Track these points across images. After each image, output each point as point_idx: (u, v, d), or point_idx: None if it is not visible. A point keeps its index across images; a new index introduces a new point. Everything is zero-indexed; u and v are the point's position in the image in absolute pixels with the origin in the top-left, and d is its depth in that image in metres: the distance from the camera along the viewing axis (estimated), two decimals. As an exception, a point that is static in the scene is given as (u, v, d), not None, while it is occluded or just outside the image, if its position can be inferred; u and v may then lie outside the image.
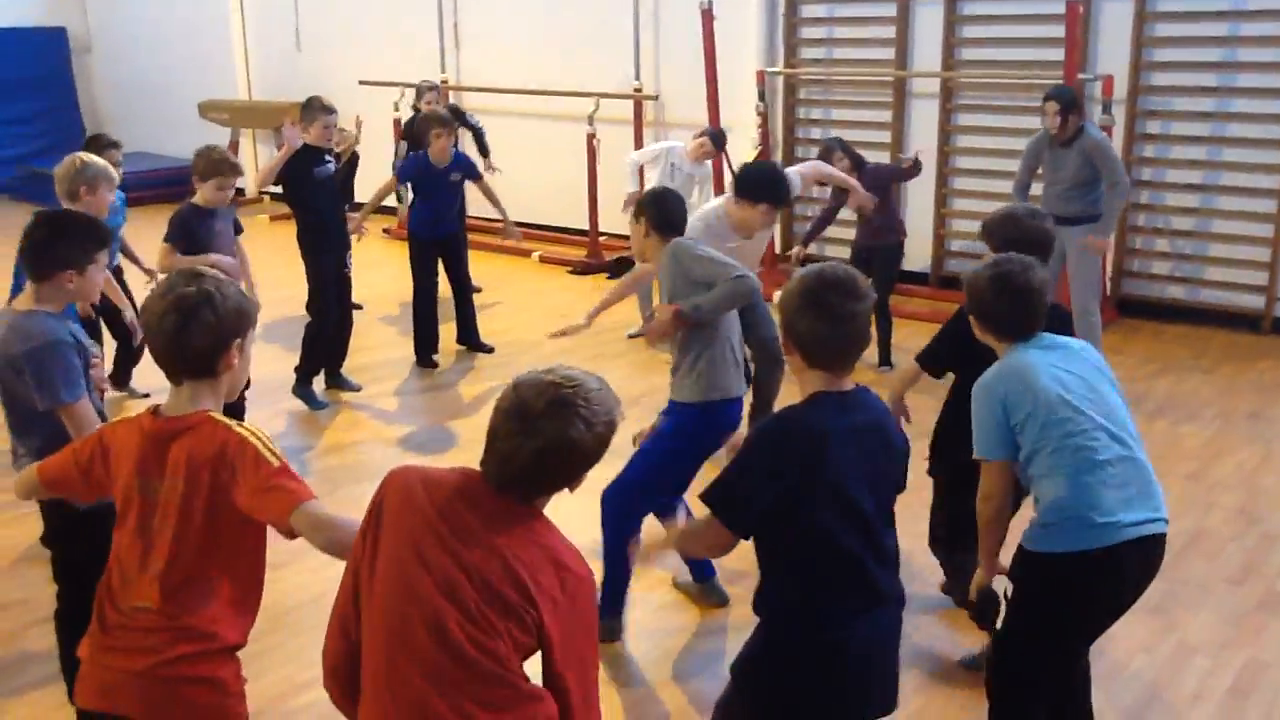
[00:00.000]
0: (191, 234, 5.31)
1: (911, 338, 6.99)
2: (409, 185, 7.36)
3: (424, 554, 1.99)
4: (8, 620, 4.09)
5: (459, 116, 8.59)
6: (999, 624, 3.13)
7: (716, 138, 7.60)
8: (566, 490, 2.12)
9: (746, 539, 2.45)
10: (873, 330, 3.29)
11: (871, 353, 6.83)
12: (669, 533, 2.77)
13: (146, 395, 6.19)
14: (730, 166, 8.91)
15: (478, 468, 2.08)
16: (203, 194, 5.39)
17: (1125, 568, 2.78)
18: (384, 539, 2.04)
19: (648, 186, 7.39)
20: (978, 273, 3.03)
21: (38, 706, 3.56)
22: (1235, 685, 3.65)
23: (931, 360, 3.80)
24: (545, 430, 2.01)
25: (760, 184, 4.79)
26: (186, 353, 2.26)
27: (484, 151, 8.82)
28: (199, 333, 2.24)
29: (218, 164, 5.37)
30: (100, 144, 6.01)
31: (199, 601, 2.25)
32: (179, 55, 13.64)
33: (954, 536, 3.84)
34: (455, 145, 6.94)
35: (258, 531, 2.33)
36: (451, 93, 11.10)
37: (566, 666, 2.01)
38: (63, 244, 3.07)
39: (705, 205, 5.44)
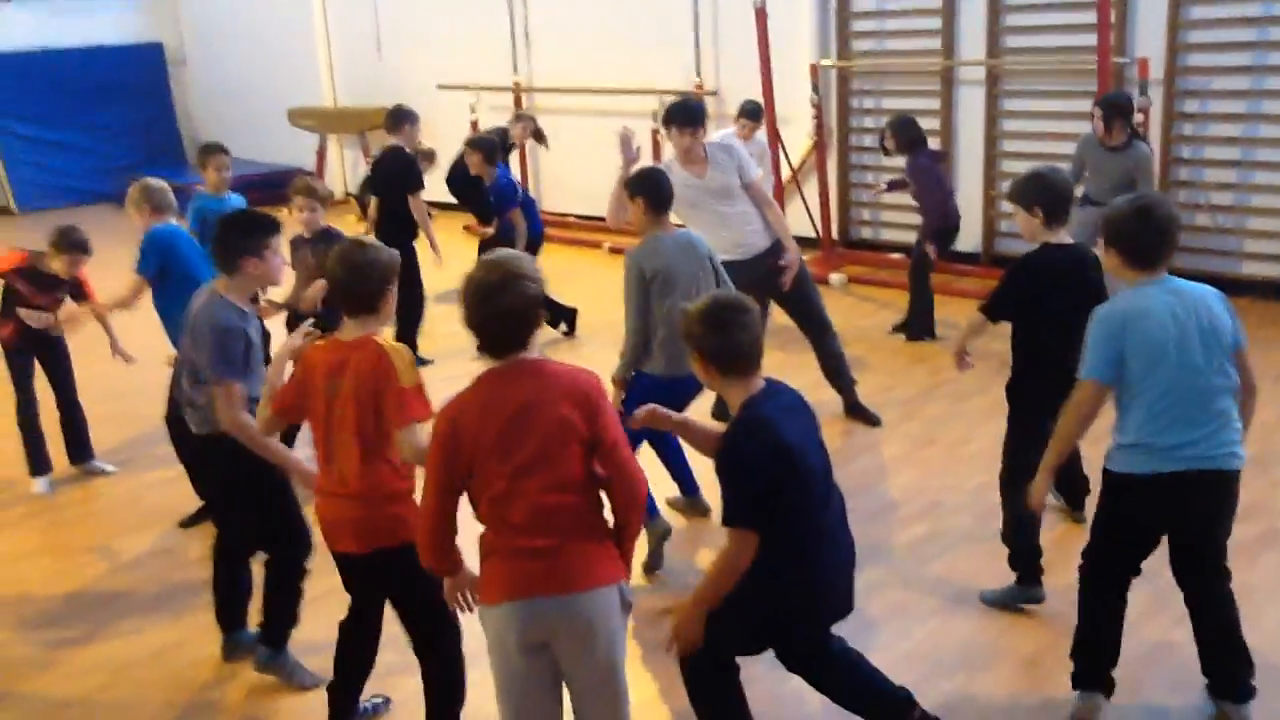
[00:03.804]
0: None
1: (964, 314, 7.43)
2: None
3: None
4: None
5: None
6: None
7: (748, 111, 8.11)
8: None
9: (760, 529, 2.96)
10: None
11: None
12: (701, 589, 3.06)
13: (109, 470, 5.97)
14: (785, 150, 9.41)
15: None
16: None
17: (1174, 492, 3.25)
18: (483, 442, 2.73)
19: None
20: (1120, 204, 3.33)
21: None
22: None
23: (992, 309, 4.12)
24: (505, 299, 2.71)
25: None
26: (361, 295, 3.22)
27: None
28: (372, 279, 3.16)
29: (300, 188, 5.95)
30: (208, 151, 6.42)
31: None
32: (267, 65, 14.47)
33: (1013, 482, 4.10)
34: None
35: None
36: (524, 94, 11.74)
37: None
38: (239, 237, 3.75)
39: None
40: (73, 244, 5.44)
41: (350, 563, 3.36)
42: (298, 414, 3.38)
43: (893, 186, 8.04)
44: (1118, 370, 3.22)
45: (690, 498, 5.00)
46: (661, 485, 4.76)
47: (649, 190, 4.66)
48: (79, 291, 5.61)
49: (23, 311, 5.45)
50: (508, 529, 2.74)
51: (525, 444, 2.70)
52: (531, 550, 2.71)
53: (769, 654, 3.20)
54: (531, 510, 2.71)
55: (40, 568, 4.95)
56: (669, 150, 9.77)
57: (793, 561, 2.95)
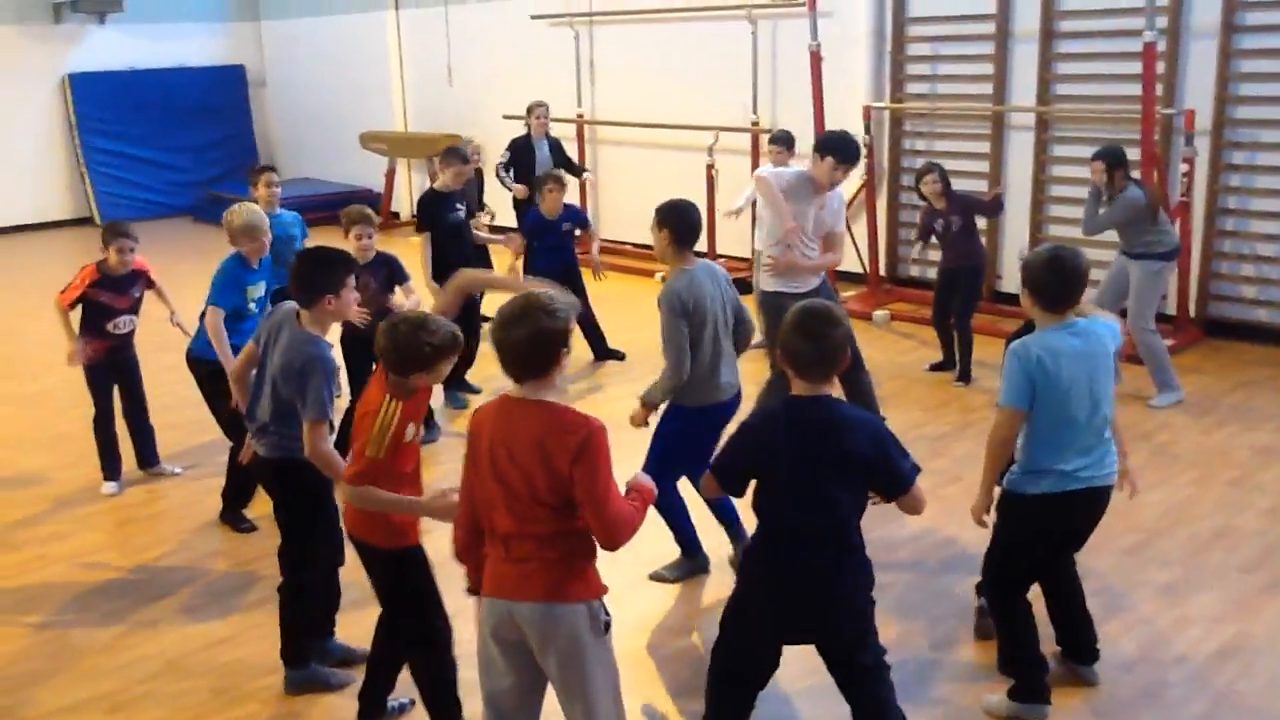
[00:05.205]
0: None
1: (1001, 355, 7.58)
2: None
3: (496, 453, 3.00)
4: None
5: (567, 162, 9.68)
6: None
7: (779, 139, 8.37)
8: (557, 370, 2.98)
9: (738, 496, 3.34)
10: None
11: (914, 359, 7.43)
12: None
13: (177, 473, 6.35)
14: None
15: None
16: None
17: (1073, 506, 3.76)
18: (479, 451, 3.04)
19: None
20: (1037, 252, 3.81)
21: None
22: (1220, 649, 4.24)
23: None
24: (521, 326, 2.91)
25: (829, 142, 5.97)
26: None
27: (575, 171, 9.87)
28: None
29: (351, 215, 6.22)
30: (258, 170, 6.82)
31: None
32: (343, 90, 15.00)
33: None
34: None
35: (408, 457, 3.57)
36: (587, 126, 12.07)
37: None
38: (320, 273, 3.86)
39: (794, 169, 6.31)
40: (115, 233, 5.80)
41: (355, 545, 3.70)
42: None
43: (934, 234, 7.86)
44: (1031, 400, 3.62)
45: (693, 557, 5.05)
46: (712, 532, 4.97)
47: (677, 223, 4.67)
48: (149, 284, 6.01)
49: (111, 324, 5.84)
50: (493, 536, 3.03)
51: (509, 472, 2.93)
52: (511, 558, 2.99)
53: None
54: (511, 530, 2.96)
55: (106, 563, 5.30)
56: (723, 181, 10.12)
57: (760, 559, 3.30)
